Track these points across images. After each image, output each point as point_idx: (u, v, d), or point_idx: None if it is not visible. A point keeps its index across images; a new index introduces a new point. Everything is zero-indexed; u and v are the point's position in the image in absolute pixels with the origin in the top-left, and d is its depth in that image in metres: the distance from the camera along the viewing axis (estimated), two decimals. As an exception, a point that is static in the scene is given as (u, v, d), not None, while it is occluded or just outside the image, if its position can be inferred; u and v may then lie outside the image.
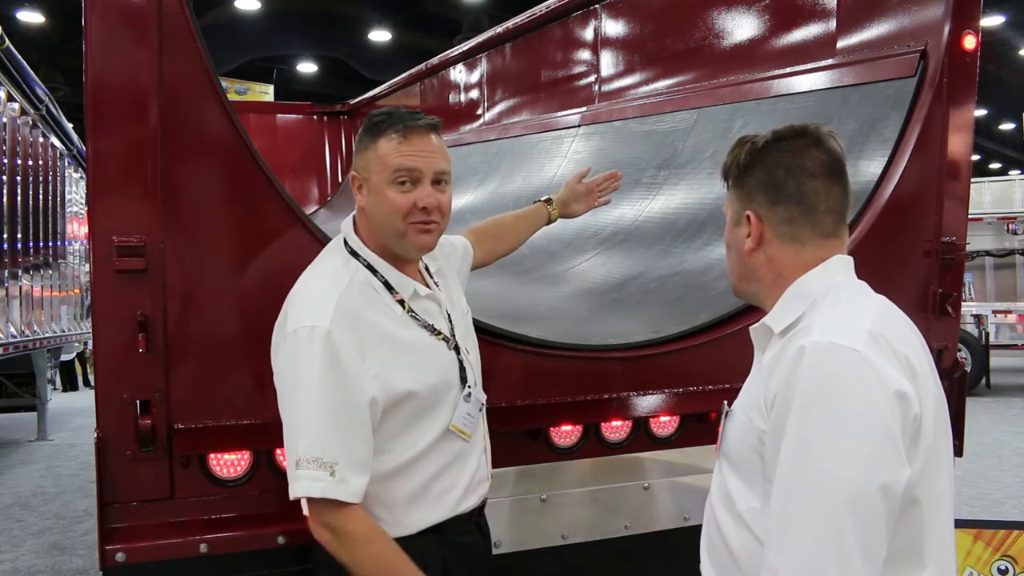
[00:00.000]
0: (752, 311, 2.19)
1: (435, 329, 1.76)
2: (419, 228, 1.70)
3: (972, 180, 3.63)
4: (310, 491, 1.57)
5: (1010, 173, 22.41)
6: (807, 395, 1.26)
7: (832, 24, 3.21)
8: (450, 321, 1.82)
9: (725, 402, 1.53)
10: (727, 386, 2.44)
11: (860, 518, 1.20)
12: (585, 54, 4.60)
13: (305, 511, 1.66)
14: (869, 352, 1.27)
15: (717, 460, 1.52)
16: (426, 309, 1.77)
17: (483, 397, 1.85)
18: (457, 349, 1.79)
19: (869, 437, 1.23)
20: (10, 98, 6.89)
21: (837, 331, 1.30)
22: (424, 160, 1.68)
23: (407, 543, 1.67)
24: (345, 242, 1.77)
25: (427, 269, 1.88)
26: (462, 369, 1.79)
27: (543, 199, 2.43)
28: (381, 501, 1.68)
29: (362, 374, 1.61)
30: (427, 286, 1.81)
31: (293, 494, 1.60)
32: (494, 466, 2.00)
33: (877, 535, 1.22)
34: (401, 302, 1.72)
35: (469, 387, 1.78)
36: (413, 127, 1.69)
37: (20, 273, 7.30)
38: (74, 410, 10.93)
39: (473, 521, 1.83)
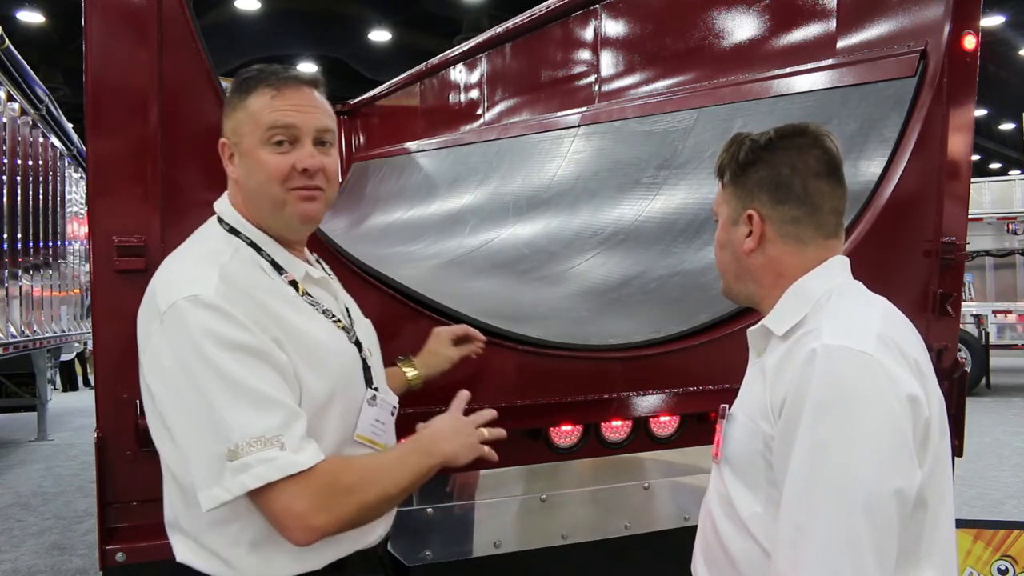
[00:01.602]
0: (753, 311, 2.18)
1: (332, 316, 1.52)
2: (301, 195, 1.46)
3: (972, 180, 3.63)
4: (270, 476, 1.29)
5: (1010, 173, 22.41)
6: (819, 399, 1.24)
7: (832, 24, 3.21)
8: (349, 316, 1.60)
9: (724, 406, 1.50)
10: (727, 386, 2.44)
11: (874, 523, 1.19)
12: (585, 54, 4.60)
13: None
14: (880, 355, 1.25)
15: (716, 464, 1.49)
16: (321, 296, 1.54)
17: (394, 401, 1.62)
18: (359, 345, 1.56)
19: (883, 441, 1.21)
20: (10, 98, 6.90)
21: (847, 334, 1.28)
22: (302, 116, 1.46)
23: None
24: (220, 221, 1.52)
25: (319, 262, 1.68)
26: (366, 368, 1.55)
27: (401, 360, 1.96)
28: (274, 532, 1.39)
29: (265, 334, 1.36)
30: (325, 275, 1.62)
31: (243, 488, 1.29)
32: (494, 466, 1.99)
33: (890, 539, 1.21)
34: (293, 284, 1.48)
35: (375, 389, 1.56)
36: (288, 79, 1.47)
37: (20, 273, 7.31)
38: (74, 410, 10.93)
39: (378, 556, 1.60)
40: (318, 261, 1.68)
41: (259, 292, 1.41)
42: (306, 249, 1.64)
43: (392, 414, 1.61)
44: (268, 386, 1.34)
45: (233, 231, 1.49)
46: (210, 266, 1.39)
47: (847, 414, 1.22)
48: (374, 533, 1.59)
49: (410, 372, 1.84)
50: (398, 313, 2.15)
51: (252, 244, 1.48)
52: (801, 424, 1.24)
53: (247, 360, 1.33)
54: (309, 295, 1.51)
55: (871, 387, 1.24)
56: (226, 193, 1.57)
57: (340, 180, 8.04)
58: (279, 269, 1.48)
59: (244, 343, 1.34)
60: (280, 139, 1.45)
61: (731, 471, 1.42)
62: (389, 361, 1.91)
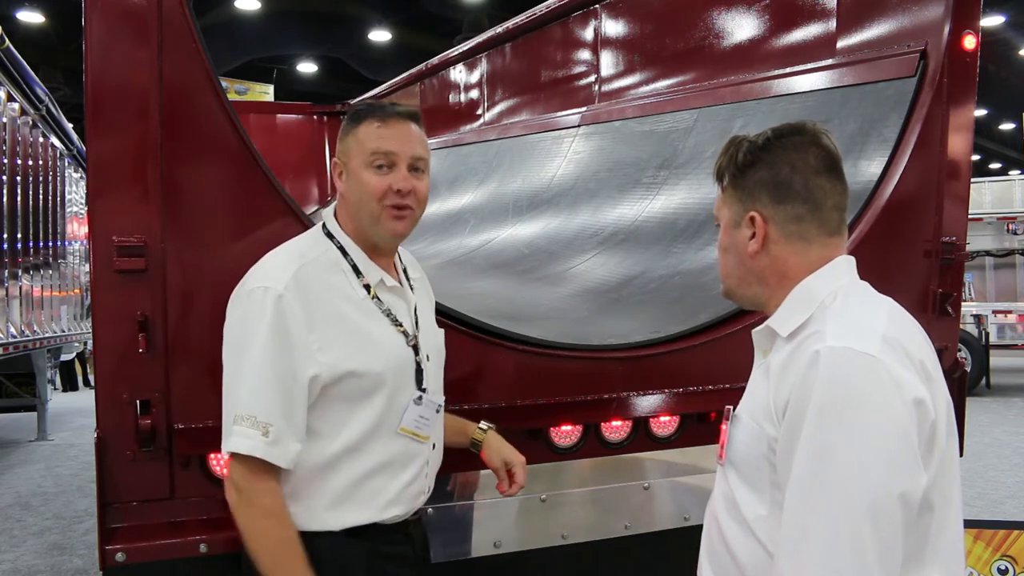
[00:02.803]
0: (753, 311, 2.18)
1: (396, 320, 1.76)
2: (393, 213, 1.71)
3: (972, 180, 3.63)
4: (240, 447, 1.57)
5: (1010, 173, 22.40)
6: (823, 401, 1.22)
7: (832, 24, 3.21)
8: (416, 325, 1.81)
9: (729, 407, 1.48)
10: (727, 386, 2.44)
11: (879, 527, 1.18)
12: (585, 54, 4.60)
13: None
14: (885, 358, 1.24)
15: (721, 467, 1.47)
16: (391, 302, 1.77)
17: (440, 400, 1.83)
18: (416, 349, 1.77)
19: (888, 445, 1.20)
20: (10, 98, 6.89)
21: (851, 336, 1.27)
22: (400, 144, 1.71)
23: (325, 542, 1.66)
24: (324, 226, 1.80)
25: (405, 272, 1.88)
26: (418, 371, 1.77)
27: (483, 428, 2.04)
28: (308, 491, 1.67)
29: (307, 346, 1.61)
30: (400, 284, 1.82)
31: (225, 450, 1.61)
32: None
33: (895, 544, 1.20)
34: (367, 287, 1.73)
35: (423, 390, 1.76)
36: (392, 113, 1.74)
37: (20, 273, 7.30)
38: (74, 410, 10.93)
39: (402, 532, 1.78)
40: (404, 271, 1.88)
41: (327, 290, 1.68)
42: (397, 259, 1.87)
43: (437, 412, 1.81)
44: (284, 382, 1.60)
45: (329, 235, 1.77)
46: (292, 263, 1.67)
47: (851, 417, 1.21)
48: (390, 511, 1.73)
49: (478, 436, 2.02)
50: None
51: (340, 248, 1.74)
52: (804, 427, 1.23)
53: (281, 354, 1.60)
54: (379, 299, 1.74)
55: (875, 390, 1.22)
56: (334, 203, 1.82)
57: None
58: (358, 273, 1.73)
59: (286, 339, 1.60)
60: (380, 163, 1.71)
61: (736, 473, 1.41)
62: (476, 419, 2.04)
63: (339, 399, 1.67)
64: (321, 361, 1.62)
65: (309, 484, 1.67)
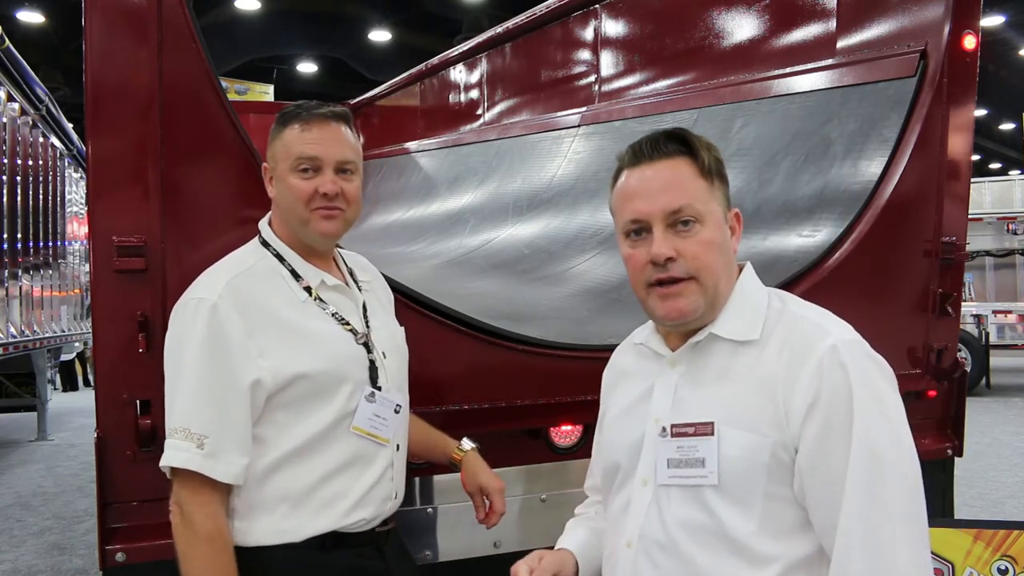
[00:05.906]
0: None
1: (342, 319, 1.72)
2: (322, 214, 1.68)
3: (972, 180, 3.63)
4: (172, 460, 1.54)
5: (1010, 173, 22.39)
6: (862, 395, 1.26)
7: (832, 24, 3.21)
8: (367, 324, 1.77)
9: (665, 425, 1.41)
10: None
11: (921, 497, 1.28)
12: (585, 54, 4.60)
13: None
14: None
15: (680, 490, 1.36)
16: (336, 301, 1.74)
17: (399, 399, 1.76)
18: (368, 347, 1.73)
19: (905, 424, 1.31)
20: (10, 98, 6.89)
21: (848, 329, 1.34)
22: (324, 148, 1.68)
23: (286, 554, 1.61)
24: (260, 236, 1.78)
25: (352, 274, 1.85)
26: (372, 368, 1.72)
27: (463, 446, 1.98)
28: (258, 500, 1.61)
29: (246, 353, 1.58)
30: (344, 283, 1.79)
31: (161, 465, 1.57)
32: (494, 466, 1.99)
33: None
34: (308, 289, 1.71)
35: (377, 387, 1.72)
36: (315, 115, 1.69)
37: (20, 273, 7.31)
38: (74, 410, 10.94)
39: (372, 545, 1.72)
40: (350, 273, 1.85)
41: (265, 297, 1.66)
42: (342, 261, 1.85)
43: (396, 412, 1.75)
44: (222, 391, 1.57)
45: (265, 243, 1.75)
46: (224, 274, 1.66)
47: (889, 406, 1.29)
48: (354, 516, 1.67)
49: (456, 456, 1.96)
50: (398, 313, 2.15)
51: (277, 255, 1.73)
52: (855, 422, 1.25)
53: (216, 362, 1.57)
54: (322, 300, 1.72)
55: (889, 373, 1.33)
56: (269, 213, 1.80)
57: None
58: (297, 277, 1.71)
59: (223, 347, 1.58)
60: (305, 167, 1.68)
61: (719, 494, 1.32)
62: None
63: (285, 405, 1.62)
64: (263, 366, 1.59)
65: (257, 493, 1.61)
